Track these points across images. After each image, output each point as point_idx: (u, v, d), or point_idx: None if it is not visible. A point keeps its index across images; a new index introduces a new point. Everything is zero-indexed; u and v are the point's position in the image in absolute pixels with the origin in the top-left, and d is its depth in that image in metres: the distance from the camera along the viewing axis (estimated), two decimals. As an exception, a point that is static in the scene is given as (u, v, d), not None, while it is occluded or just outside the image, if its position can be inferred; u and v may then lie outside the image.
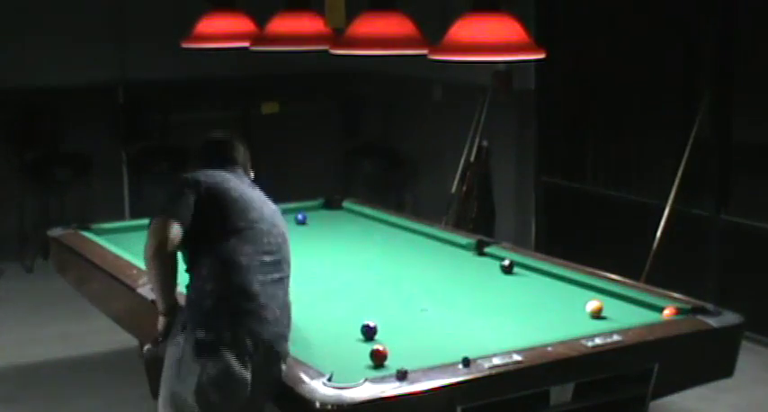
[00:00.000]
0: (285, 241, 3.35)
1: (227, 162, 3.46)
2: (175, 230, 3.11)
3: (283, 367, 3.11)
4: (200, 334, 3.04)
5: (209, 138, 3.60)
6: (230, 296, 3.10)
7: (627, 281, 4.07)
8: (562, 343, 3.28)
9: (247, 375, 3.04)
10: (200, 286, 3.13)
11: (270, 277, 3.19)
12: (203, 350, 3.02)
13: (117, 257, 4.40)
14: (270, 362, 3.08)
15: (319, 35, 4.51)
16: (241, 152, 3.55)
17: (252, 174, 3.56)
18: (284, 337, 3.16)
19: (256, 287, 3.12)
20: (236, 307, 3.09)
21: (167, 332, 3.20)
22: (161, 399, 3.14)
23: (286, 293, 3.26)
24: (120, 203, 7.76)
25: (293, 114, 8.22)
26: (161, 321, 3.23)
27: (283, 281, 3.26)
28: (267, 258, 3.21)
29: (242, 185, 3.37)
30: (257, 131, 8.12)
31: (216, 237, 3.18)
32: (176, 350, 3.09)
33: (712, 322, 3.54)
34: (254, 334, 3.06)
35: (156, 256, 3.12)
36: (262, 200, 3.38)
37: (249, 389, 3.05)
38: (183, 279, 3.24)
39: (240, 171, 3.47)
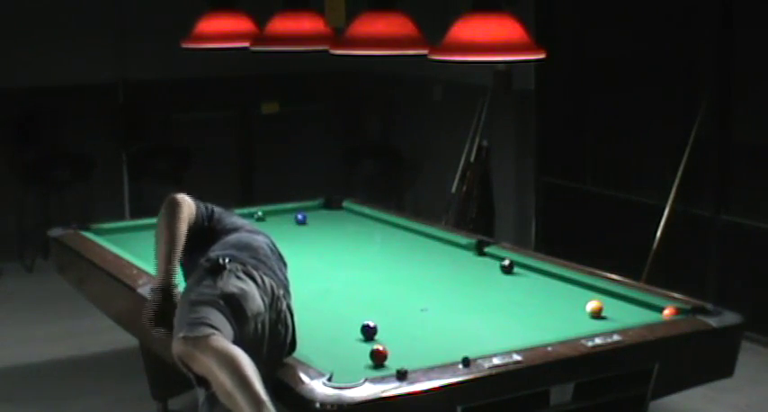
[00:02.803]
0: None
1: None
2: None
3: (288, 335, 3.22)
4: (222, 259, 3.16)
5: None
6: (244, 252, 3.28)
7: (627, 281, 4.07)
8: (562, 343, 3.28)
9: (264, 307, 3.12)
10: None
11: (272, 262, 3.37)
12: (222, 267, 3.13)
13: (117, 257, 4.40)
14: (281, 315, 3.21)
15: (319, 35, 4.51)
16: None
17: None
18: (290, 311, 3.29)
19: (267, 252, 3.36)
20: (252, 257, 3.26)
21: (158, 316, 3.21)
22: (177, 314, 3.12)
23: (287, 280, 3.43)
24: (120, 203, 7.76)
25: (293, 114, 8.22)
26: (151, 295, 3.26)
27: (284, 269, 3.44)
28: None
29: None
30: (257, 131, 8.14)
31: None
32: (197, 273, 3.17)
33: (712, 322, 3.55)
34: (270, 282, 3.20)
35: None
36: None
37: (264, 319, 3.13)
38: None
39: None
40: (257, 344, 3.05)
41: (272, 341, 3.12)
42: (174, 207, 3.34)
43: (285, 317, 3.20)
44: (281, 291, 3.26)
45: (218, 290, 3.04)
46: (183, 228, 3.29)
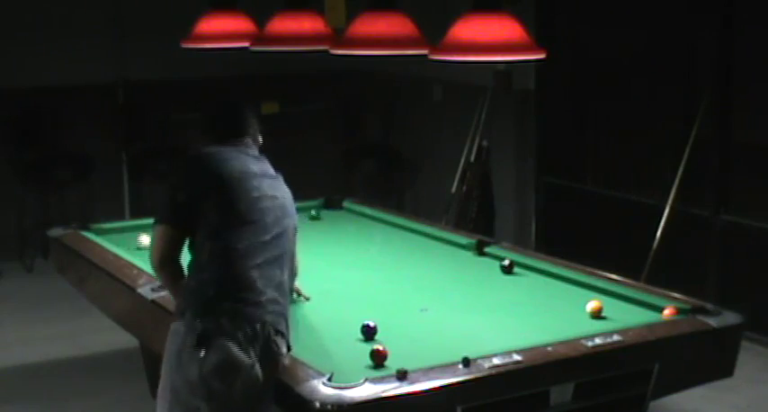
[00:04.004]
0: (286, 213, 3.31)
1: (231, 135, 3.40)
2: (173, 238, 3.18)
3: (283, 348, 3.12)
4: (201, 323, 3.04)
5: (212, 107, 3.53)
6: (229, 284, 3.09)
7: (627, 281, 4.07)
8: (562, 343, 3.28)
9: (249, 361, 3.03)
10: (200, 274, 3.14)
11: (268, 256, 3.17)
12: (203, 339, 3.02)
13: (117, 257, 4.40)
14: (271, 344, 3.08)
15: (319, 35, 4.51)
16: (248, 120, 3.47)
17: (260, 140, 3.49)
18: (283, 316, 3.16)
19: (254, 274, 3.10)
20: (234, 295, 3.08)
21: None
22: (160, 390, 3.15)
23: (283, 270, 3.23)
24: (120, 203, 7.76)
25: (293, 114, 8.22)
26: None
27: (282, 257, 3.23)
28: (266, 237, 3.19)
29: (243, 162, 3.30)
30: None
31: (215, 224, 3.15)
32: (177, 339, 3.09)
33: (712, 322, 3.55)
34: (253, 320, 3.06)
35: (162, 268, 3.21)
36: (263, 171, 3.34)
37: (254, 373, 3.04)
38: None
39: (247, 141, 3.41)
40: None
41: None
42: (159, 278, 3.36)
43: (277, 343, 3.14)
44: (269, 318, 3.12)
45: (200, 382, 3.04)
46: (179, 285, 3.21)
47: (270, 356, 3.08)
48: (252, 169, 3.30)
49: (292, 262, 3.35)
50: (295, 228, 3.37)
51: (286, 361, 3.13)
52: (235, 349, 3.02)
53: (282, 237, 3.25)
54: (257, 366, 3.05)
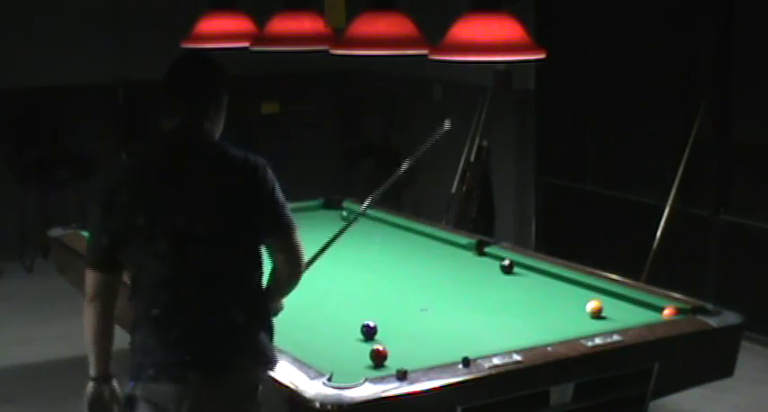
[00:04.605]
0: (214, 203, 2.69)
1: (172, 115, 2.79)
2: (96, 280, 2.75)
3: (259, 386, 2.79)
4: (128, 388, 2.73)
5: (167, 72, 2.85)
6: (139, 336, 2.72)
7: (627, 281, 4.07)
8: (562, 343, 3.28)
9: None
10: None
11: (183, 273, 2.68)
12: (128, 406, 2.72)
13: (117, 257, 4.39)
14: (221, 384, 2.69)
15: (319, 35, 4.51)
16: (201, 93, 2.79)
17: (218, 125, 2.83)
18: (233, 347, 2.72)
19: (155, 312, 2.68)
20: (144, 345, 2.70)
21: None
22: None
23: (212, 293, 2.71)
24: (120, 203, 7.75)
25: (293, 114, 8.22)
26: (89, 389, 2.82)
27: (209, 264, 2.69)
28: (166, 253, 2.66)
29: (167, 165, 2.71)
30: (257, 131, 8.13)
31: (129, 253, 2.72)
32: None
33: (712, 322, 3.55)
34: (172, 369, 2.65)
35: (86, 307, 2.78)
36: (197, 171, 2.71)
37: None
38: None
39: (191, 131, 2.75)
40: None
41: None
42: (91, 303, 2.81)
43: None
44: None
45: None
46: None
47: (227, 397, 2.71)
48: (175, 176, 2.75)
49: None
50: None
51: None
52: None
53: (211, 237, 2.73)
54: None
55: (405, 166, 3.49)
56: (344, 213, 5.29)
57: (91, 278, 2.76)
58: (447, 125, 3.84)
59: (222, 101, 2.84)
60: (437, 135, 3.58)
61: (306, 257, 2.89)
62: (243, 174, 2.74)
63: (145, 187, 2.70)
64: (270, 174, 2.80)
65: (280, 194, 2.82)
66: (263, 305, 2.82)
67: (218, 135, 2.83)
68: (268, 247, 2.80)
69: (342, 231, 3.50)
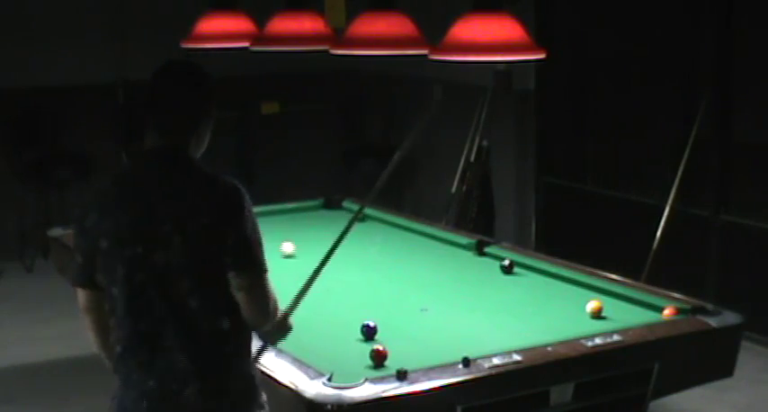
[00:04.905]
0: (179, 231, 2.45)
1: (144, 135, 2.60)
2: (83, 296, 2.66)
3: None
4: None
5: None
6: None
7: (627, 281, 4.07)
8: (562, 343, 3.28)
9: None
10: None
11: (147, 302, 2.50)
12: None
13: (117, 257, 4.39)
14: None
15: (319, 35, 4.51)
16: (183, 109, 2.56)
17: (200, 143, 2.62)
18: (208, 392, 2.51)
19: (118, 348, 2.60)
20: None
21: None
22: None
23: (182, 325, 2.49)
24: (120, 203, 7.75)
25: (293, 114, 8.22)
26: None
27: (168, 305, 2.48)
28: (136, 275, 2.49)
29: (131, 188, 2.53)
30: (257, 131, 8.13)
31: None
32: None
33: (712, 322, 3.55)
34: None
35: (83, 318, 2.73)
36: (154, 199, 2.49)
37: None
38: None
39: (168, 150, 2.54)
40: None
41: None
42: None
43: None
44: None
45: None
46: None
47: None
48: (139, 205, 2.54)
49: None
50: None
51: None
52: None
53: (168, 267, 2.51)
54: None
55: (407, 145, 3.20)
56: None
57: (78, 293, 2.66)
58: (438, 94, 3.76)
59: (207, 118, 2.61)
60: (432, 108, 3.40)
61: (276, 306, 2.59)
62: (213, 199, 2.49)
63: (108, 211, 2.51)
64: (247, 202, 2.53)
65: (252, 226, 2.51)
66: (225, 352, 2.53)
67: (200, 153, 2.63)
68: (232, 284, 2.49)
69: (347, 228, 3.24)
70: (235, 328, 2.53)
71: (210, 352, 2.51)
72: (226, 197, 2.51)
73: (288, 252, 4.51)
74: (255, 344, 2.69)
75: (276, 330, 2.71)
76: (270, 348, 2.79)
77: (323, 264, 3.00)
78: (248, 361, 2.62)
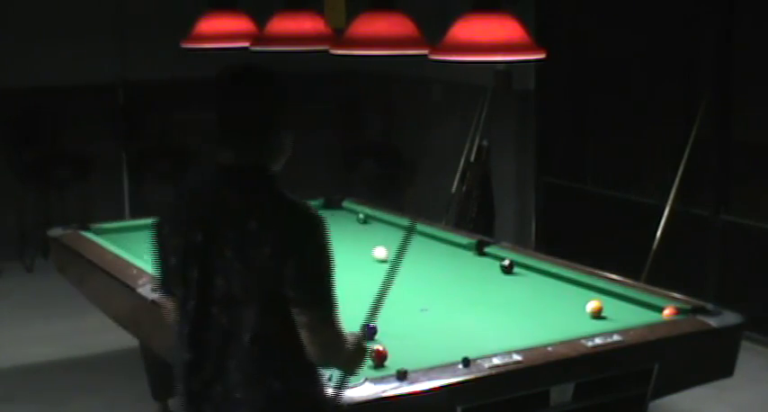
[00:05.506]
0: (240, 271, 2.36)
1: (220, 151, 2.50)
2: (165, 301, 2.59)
3: None
4: None
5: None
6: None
7: (627, 281, 4.07)
8: (562, 343, 3.28)
9: None
10: None
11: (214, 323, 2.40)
12: None
13: (117, 257, 4.40)
14: None
15: (319, 35, 4.51)
16: (254, 123, 2.47)
17: (276, 162, 2.52)
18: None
19: (185, 357, 2.45)
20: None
21: None
22: None
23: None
24: (120, 203, 7.76)
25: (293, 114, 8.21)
26: None
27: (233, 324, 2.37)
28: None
29: (202, 206, 2.43)
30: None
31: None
32: None
33: (712, 322, 3.54)
34: None
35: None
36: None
37: None
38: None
39: (240, 168, 2.45)
40: None
41: None
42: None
43: None
44: None
45: None
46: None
47: None
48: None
49: None
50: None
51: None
52: None
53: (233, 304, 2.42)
54: None
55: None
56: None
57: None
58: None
59: (279, 128, 2.48)
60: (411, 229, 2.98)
61: (342, 347, 2.46)
62: (281, 226, 2.35)
63: (177, 228, 2.43)
64: (320, 232, 2.37)
65: (319, 258, 2.36)
66: (275, 386, 2.38)
67: (280, 165, 2.52)
68: (296, 321, 2.35)
69: (404, 247, 2.95)
70: (298, 369, 2.42)
71: (267, 391, 2.37)
72: (295, 225, 2.37)
73: (380, 257, 4.42)
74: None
75: (351, 361, 2.56)
76: (350, 379, 2.62)
77: (388, 283, 2.79)
78: (318, 392, 2.48)
